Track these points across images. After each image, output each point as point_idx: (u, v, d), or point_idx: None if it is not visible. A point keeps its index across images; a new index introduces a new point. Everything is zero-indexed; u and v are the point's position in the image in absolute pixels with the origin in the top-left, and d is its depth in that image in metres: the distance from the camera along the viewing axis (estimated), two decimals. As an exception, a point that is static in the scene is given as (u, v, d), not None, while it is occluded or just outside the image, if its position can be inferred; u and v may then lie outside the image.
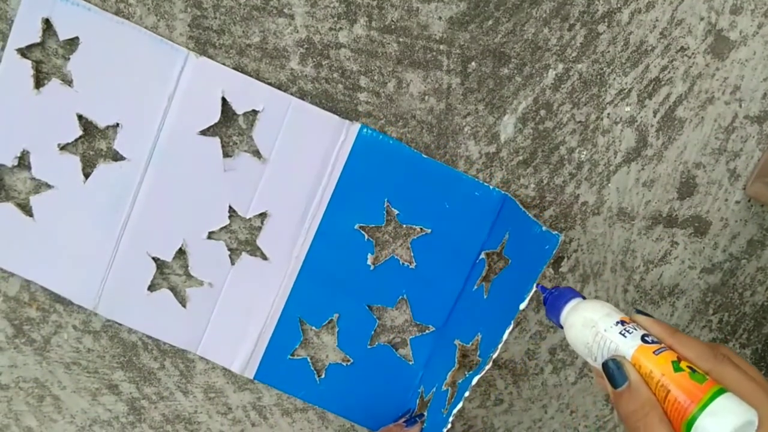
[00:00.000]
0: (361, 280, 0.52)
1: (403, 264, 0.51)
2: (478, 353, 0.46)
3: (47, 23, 0.47)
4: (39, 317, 0.53)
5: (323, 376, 0.54)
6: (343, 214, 0.50)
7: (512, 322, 0.40)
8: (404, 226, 0.51)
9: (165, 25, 0.48)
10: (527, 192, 0.52)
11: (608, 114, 0.51)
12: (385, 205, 0.50)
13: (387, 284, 0.52)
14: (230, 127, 0.49)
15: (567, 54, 0.49)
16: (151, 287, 0.52)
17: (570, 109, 0.50)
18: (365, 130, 0.49)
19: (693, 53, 0.50)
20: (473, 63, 0.49)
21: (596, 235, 0.53)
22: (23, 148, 0.49)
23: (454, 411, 0.42)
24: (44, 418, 0.55)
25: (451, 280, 0.51)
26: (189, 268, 0.51)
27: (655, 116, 0.51)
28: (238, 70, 0.49)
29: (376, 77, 0.49)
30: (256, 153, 0.49)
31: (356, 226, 0.51)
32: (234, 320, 0.52)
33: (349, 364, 0.53)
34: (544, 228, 0.43)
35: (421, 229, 0.51)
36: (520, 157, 0.51)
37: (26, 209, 0.50)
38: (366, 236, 0.51)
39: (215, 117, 0.48)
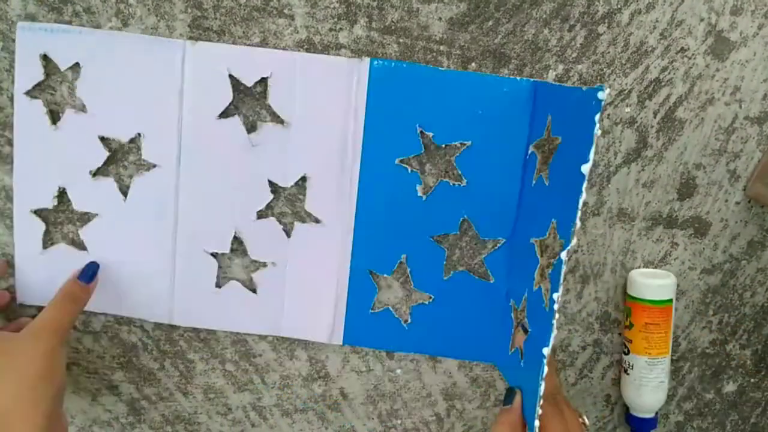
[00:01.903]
0: (417, 214, 0.50)
1: (453, 185, 0.50)
2: (558, 236, 0.43)
3: (46, 59, 0.47)
4: (39, 318, 0.53)
5: (410, 320, 0.52)
6: (380, 154, 0.49)
7: (583, 188, 0.37)
8: (443, 146, 0.49)
9: (165, 25, 0.48)
10: (527, 193, 0.52)
11: (608, 115, 0.51)
12: (418, 131, 0.49)
13: (444, 210, 0.50)
14: (245, 102, 0.49)
15: (567, 55, 0.49)
16: (218, 283, 0.52)
17: (570, 110, 0.50)
18: (376, 62, 0.48)
19: (693, 54, 0.50)
20: (473, 64, 0.49)
21: (596, 235, 0.53)
22: (58, 186, 0.49)
23: (555, 298, 0.38)
24: (44, 419, 0.55)
25: (507, 186, 0.49)
26: (248, 253, 0.51)
27: (655, 117, 0.51)
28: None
29: (376, 78, 0.49)
30: (278, 119, 0.49)
31: (396, 162, 0.49)
32: (307, 292, 0.52)
33: (431, 301, 0.52)
34: (584, 88, 0.40)
35: (461, 144, 0.49)
36: (520, 158, 0.51)
37: (78, 244, 0.50)
38: (409, 168, 0.49)
39: (228, 97, 0.48)
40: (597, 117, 0.36)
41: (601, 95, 0.36)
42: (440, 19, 0.48)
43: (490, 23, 0.49)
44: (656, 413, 0.55)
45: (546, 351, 0.38)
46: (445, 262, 0.52)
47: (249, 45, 0.48)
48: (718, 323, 0.56)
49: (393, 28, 0.48)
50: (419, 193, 0.50)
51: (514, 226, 0.50)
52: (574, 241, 0.38)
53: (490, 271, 0.52)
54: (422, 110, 0.48)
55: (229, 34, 0.48)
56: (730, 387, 0.57)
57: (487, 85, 0.48)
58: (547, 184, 0.45)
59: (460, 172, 0.50)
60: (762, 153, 0.52)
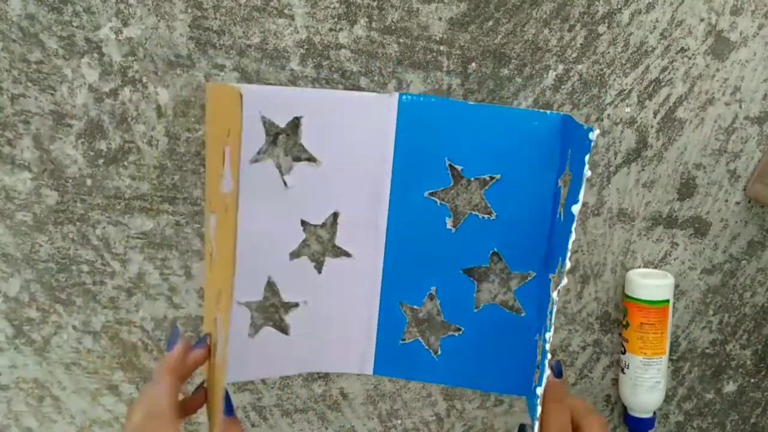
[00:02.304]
0: (446, 246, 0.50)
1: (483, 218, 0.49)
2: (559, 276, 0.43)
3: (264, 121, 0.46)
4: (39, 317, 0.53)
5: (440, 352, 0.52)
6: (409, 187, 0.49)
7: (572, 228, 0.38)
8: (472, 179, 0.49)
9: (165, 25, 0.48)
10: (527, 193, 0.52)
11: (608, 115, 0.51)
12: (447, 165, 0.48)
13: (474, 243, 0.50)
14: (279, 144, 0.48)
15: (567, 55, 0.49)
16: (251, 332, 0.50)
17: (570, 110, 0.50)
18: (405, 96, 0.47)
19: (693, 54, 0.50)
20: (473, 64, 0.49)
21: (596, 236, 0.53)
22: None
23: (548, 338, 0.39)
24: (44, 419, 0.55)
25: (537, 219, 0.49)
26: (281, 294, 0.50)
27: (655, 117, 0.51)
28: (238, 71, 0.49)
29: (376, 78, 0.49)
30: (311, 158, 0.48)
31: (426, 194, 0.49)
32: (338, 325, 0.51)
33: (460, 333, 0.51)
34: (585, 127, 0.40)
35: (490, 177, 0.49)
36: (521, 158, 0.51)
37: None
38: (438, 201, 0.49)
39: (261, 140, 0.47)
40: (587, 158, 0.36)
41: (591, 135, 0.37)
42: (440, 19, 0.48)
43: (490, 23, 0.49)
44: (654, 413, 0.55)
45: (539, 391, 0.38)
46: (475, 295, 0.51)
47: (247, 45, 0.48)
48: (718, 323, 0.56)
49: (393, 28, 0.48)
50: (448, 226, 0.50)
51: (545, 259, 0.50)
52: (564, 281, 0.38)
53: (521, 304, 0.51)
54: (451, 144, 0.48)
55: (229, 35, 0.48)
56: (730, 387, 0.57)
57: (517, 118, 0.47)
58: (562, 221, 0.45)
59: (489, 205, 0.49)
60: (762, 153, 0.52)
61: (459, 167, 0.49)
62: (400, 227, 0.49)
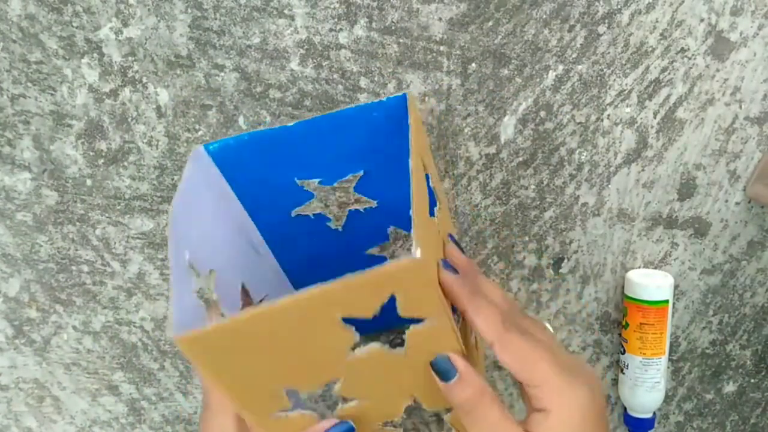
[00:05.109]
0: (342, 243, 0.50)
1: (364, 209, 0.49)
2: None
3: None
4: (39, 318, 0.53)
5: None
6: (274, 219, 0.47)
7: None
8: (335, 184, 0.47)
9: (165, 26, 0.48)
10: (527, 193, 0.52)
11: (608, 115, 0.51)
12: (299, 184, 0.46)
13: (368, 228, 0.50)
14: None
15: (567, 55, 0.49)
16: None
17: (570, 110, 0.50)
18: (211, 146, 0.43)
19: (693, 54, 0.50)
20: (473, 64, 0.49)
21: (596, 236, 0.53)
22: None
23: None
24: (44, 419, 0.55)
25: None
26: None
27: (655, 117, 0.51)
28: (238, 71, 0.49)
29: (376, 78, 0.49)
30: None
31: (293, 214, 0.47)
32: None
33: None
34: (402, 95, 0.42)
35: (353, 176, 0.47)
36: (521, 158, 0.51)
37: None
38: (311, 215, 0.48)
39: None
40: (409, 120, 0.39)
41: (411, 102, 0.39)
42: (440, 19, 0.48)
43: (490, 23, 0.49)
44: (654, 414, 0.55)
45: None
46: None
47: (247, 45, 0.48)
48: (718, 323, 0.56)
49: (393, 28, 0.48)
50: (333, 227, 0.49)
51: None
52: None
53: None
54: (293, 165, 0.45)
55: (229, 35, 0.48)
56: (730, 387, 0.57)
57: (354, 116, 0.44)
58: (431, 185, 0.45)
59: (365, 197, 0.49)
60: (762, 153, 0.52)
61: (315, 180, 0.46)
62: (292, 258, 0.50)
